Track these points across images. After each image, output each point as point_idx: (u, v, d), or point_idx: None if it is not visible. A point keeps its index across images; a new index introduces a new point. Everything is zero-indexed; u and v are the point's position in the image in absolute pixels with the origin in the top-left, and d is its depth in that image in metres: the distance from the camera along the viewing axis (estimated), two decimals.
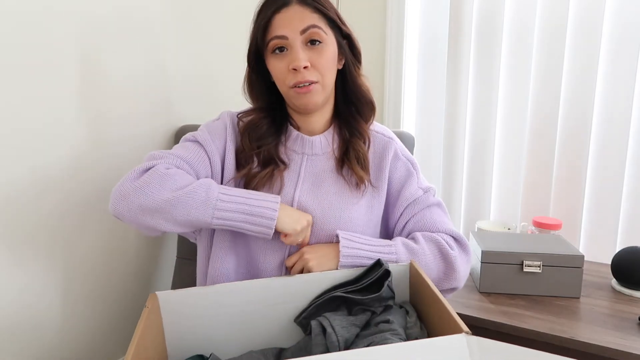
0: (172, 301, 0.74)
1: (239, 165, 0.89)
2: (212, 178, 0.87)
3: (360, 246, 0.83)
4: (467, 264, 0.90)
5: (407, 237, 0.91)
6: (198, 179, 0.84)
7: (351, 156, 0.89)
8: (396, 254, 0.83)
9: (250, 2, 0.91)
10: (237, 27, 1.45)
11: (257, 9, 0.85)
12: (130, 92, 1.20)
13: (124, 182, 0.79)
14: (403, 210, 0.92)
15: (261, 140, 0.89)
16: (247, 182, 0.87)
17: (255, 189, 0.86)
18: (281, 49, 0.82)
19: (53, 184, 1.04)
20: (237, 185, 0.88)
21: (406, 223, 0.92)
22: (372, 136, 0.94)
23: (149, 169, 0.80)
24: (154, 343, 0.69)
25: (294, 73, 0.82)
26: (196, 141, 0.88)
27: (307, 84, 0.82)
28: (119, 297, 1.23)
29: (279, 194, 0.87)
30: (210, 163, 0.87)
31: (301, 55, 0.80)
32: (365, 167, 0.89)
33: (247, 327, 0.77)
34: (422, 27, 1.70)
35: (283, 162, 0.89)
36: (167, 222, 0.77)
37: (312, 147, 0.91)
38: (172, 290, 0.74)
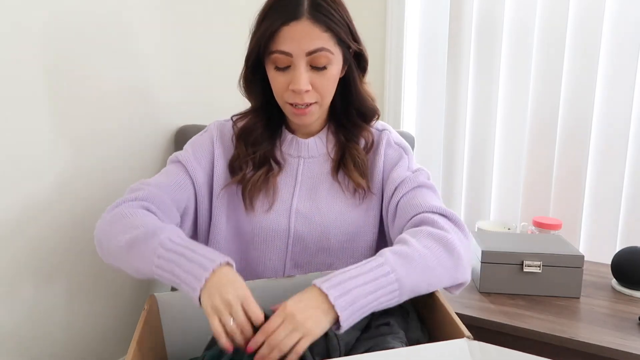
0: (170, 302, 0.73)
1: (234, 173, 0.87)
2: (195, 197, 0.86)
3: (349, 281, 0.65)
4: (466, 241, 0.76)
5: (399, 220, 0.82)
6: (177, 204, 0.83)
7: (348, 161, 0.87)
8: (390, 266, 0.67)
9: (250, 1, 0.90)
10: (237, 26, 1.45)
11: (263, 11, 0.80)
12: (128, 93, 1.19)
13: (104, 214, 0.79)
14: (392, 193, 0.85)
15: (256, 145, 0.87)
16: (243, 188, 0.86)
17: (250, 194, 0.84)
18: (284, 68, 0.78)
19: (53, 185, 1.03)
20: (234, 192, 0.87)
21: (397, 205, 0.84)
22: (374, 135, 0.92)
23: (123, 204, 0.78)
24: (154, 345, 0.69)
25: (293, 93, 0.79)
26: (178, 162, 0.87)
27: (304, 105, 0.80)
28: (119, 298, 1.22)
29: (274, 198, 0.86)
30: (193, 183, 0.86)
31: (303, 79, 0.77)
32: (363, 172, 0.87)
33: None
34: (422, 27, 1.70)
35: (278, 164, 0.88)
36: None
37: (307, 150, 0.90)
38: (171, 292, 0.74)
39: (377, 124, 0.94)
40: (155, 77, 1.27)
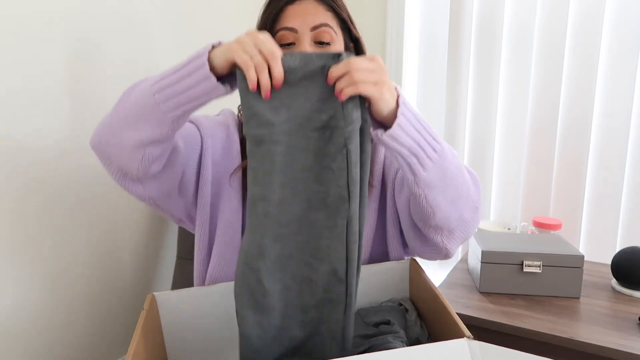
0: (170, 302, 0.73)
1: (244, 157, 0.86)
2: (201, 154, 0.83)
3: (418, 116, 0.67)
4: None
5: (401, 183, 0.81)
6: (183, 139, 0.79)
7: None
8: (441, 145, 0.69)
9: (255, 3, 0.90)
10: (239, 25, 1.45)
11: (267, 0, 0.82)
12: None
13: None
14: (397, 170, 0.85)
15: None
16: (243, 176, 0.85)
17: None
18: (288, 44, 0.79)
19: (48, 181, 1.03)
20: (239, 179, 0.85)
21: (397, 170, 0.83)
22: None
23: None
24: (153, 345, 0.69)
25: None
26: (190, 122, 0.84)
27: None
28: (118, 298, 1.22)
29: None
30: (201, 139, 0.83)
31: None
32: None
33: None
34: (422, 27, 1.70)
35: None
36: (130, 126, 0.68)
37: None
38: (171, 291, 0.74)
39: None
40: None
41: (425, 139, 0.66)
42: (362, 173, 0.63)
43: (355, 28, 0.85)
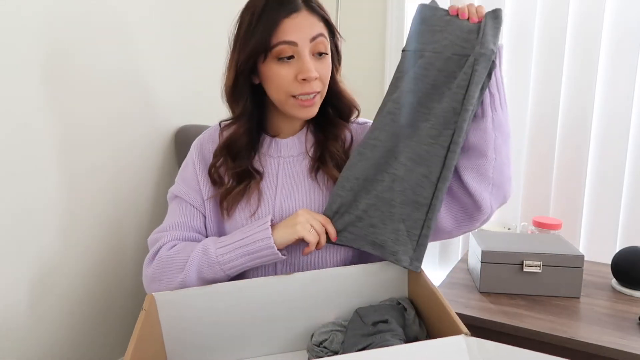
0: (169, 302, 0.73)
1: (214, 181, 0.88)
2: (206, 218, 0.89)
3: None
4: None
5: None
6: (198, 231, 0.88)
7: (327, 159, 0.87)
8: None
9: None
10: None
11: (258, 10, 0.80)
12: (129, 93, 1.19)
13: (143, 270, 0.85)
14: None
15: (239, 159, 0.87)
16: (221, 200, 0.86)
17: (230, 205, 0.86)
18: (290, 57, 0.79)
19: (51, 180, 1.03)
20: (215, 202, 0.88)
21: None
22: (353, 130, 0.92)
23: (156, 254, 0.84)
24: (153, 345, 0.69)
25: (302, 83, 0.80)
26: (176, 197, 0.90)
27: (313, 95, 0.81)
28: (118, 298, 1.22)
29: (258, 204, 0.86)
30: (198, 209, 0.89)
31: (312, 66, 0.79)
32: (341, 168, 0.86)
33: (247, 327, 0.76)
34: None
35: (258, 172, 0.88)
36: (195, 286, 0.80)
37: (287, 149, 0.89)
38: (171, 291, 0.74)
39: (362, 120, 0.95)
40: (156, 77, 1.27)
41: (503, 87, 0.77)
42: (480, 96, 0.75)
43: (338, 33, 0.88)
